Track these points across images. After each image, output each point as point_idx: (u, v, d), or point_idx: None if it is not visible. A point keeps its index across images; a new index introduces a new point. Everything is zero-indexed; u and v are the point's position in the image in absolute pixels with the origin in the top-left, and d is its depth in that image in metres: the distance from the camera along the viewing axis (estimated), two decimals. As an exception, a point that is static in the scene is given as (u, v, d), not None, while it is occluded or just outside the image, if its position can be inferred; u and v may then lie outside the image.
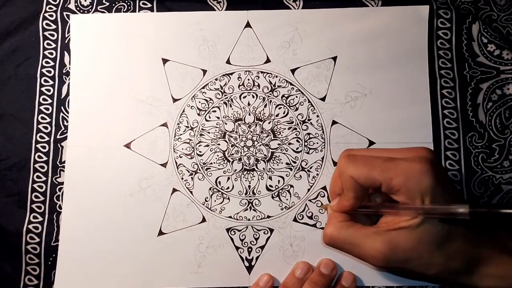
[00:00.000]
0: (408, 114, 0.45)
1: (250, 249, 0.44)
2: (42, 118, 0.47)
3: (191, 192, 0.45)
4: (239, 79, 0.47)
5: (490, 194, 0.44)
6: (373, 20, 0.47)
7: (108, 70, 0.47)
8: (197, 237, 0.44)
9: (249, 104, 0.46)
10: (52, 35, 0.48)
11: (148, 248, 0.44)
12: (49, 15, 0.49)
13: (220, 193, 0.45)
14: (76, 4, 0.49)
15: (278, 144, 0.46)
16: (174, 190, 0.45)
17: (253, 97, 0.47)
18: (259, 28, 0.47)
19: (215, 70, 0.47)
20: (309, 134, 0.46)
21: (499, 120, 0.45)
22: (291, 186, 0.45)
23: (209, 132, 0.46)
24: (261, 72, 0.47)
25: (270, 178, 0.45)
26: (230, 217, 0.44)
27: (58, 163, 0.46)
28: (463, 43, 0.47)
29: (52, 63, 0.48)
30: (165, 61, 0.47)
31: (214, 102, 0.47)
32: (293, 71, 0.47)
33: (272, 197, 0.45)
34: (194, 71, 0.47)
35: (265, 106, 0.46)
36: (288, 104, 0.46)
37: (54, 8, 0.49)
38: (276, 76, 0.47)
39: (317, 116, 0.46)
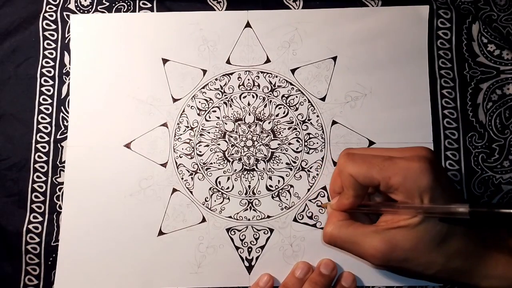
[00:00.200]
0: (408, 114, 0.45)
1: (250, 249, 0.44)
2: (42, 118, 0.47)
3: (191, 192, 0.45)
4: (239, 79, 0.47)
5: (490, 194, 0.44)
6: (373, 20, 0.47)
7: (108, 70, 0.47)
8: (197, 237, 0.44)
9: (249, 104, 0.46)
10: (52, 35, 0.48)
11: (148, 248, 0.44)
12: (49, 15, 0.49)
13: (220, 193, 0.45)
14: (76, 4, 0.49)
15: (278, 144, 0.46)
16: (174, 190, 0.45)
17: (253, 97, 0.47)
18: (259, 28, 0.47)
19: (215, 70, 0.47)
20: (309, 134, 0.46)
21: (499, 120, 0.45)
22: (291, 186, 0.45)
23: (209, 132, 0.46)
24: (261, 72, 0.47)
25: (270, 178, 0.45)
26: (230, 217, 0.44)
27: (58, 163, 0.46)
28: (463, 43, 0.47)
29: (52, 63, 0.48)
30: (165, 61, 0.47)
31: (214, 102, 0.47)
32: (293, 71, 0.47)
33: (272, 197, 0.45)
34: (194, 71, 0.47)
35: (265, 106, 0.46)
36: (288, 104, 0.46)
37: (54, 8, 0.49)
38: (276, 76, 0.47)
39: (317, 116, 0.46)
